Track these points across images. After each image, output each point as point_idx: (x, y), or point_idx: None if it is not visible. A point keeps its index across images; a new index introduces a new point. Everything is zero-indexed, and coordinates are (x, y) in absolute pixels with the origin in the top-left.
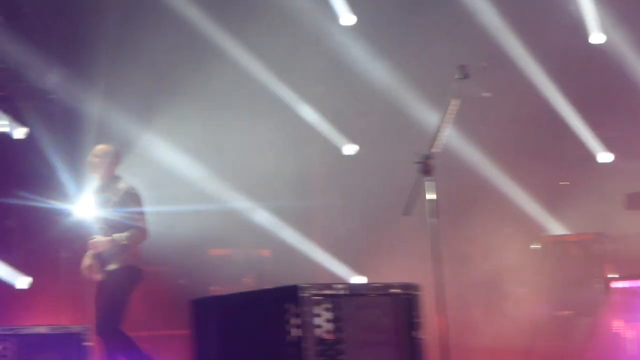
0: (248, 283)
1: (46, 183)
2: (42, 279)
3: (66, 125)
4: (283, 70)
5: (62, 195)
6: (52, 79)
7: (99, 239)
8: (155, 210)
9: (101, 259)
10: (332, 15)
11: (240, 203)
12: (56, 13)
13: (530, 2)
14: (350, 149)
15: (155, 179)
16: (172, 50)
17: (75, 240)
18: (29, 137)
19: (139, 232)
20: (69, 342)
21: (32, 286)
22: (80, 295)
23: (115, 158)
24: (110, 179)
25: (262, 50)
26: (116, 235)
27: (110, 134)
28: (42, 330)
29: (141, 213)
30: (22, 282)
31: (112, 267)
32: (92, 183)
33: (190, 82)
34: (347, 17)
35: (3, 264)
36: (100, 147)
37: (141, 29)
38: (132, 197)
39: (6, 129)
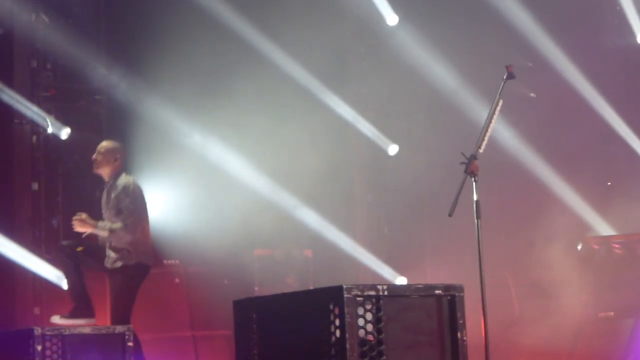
0: (291, 283)
1: (91, 183)
2: (87, 279)
3: (112, 126)
4: (327, 71)
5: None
6: (98, 79)
7: (84, 219)
8: (200, 210)
9: (109, 256)
10: (376, 15)
11: (284, 203)
12: (104, 14)
13: (575, 2)
14: (394, 149)
15: (201, 179)
16: (218, 52)
17: None
18: (75, 137)
19: (122, 228)
20: (112, 342)
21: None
22: None
23: (120, 154)
24: (115, 177)
25: (306, 51)
26: (100, 223)
27: (156, 132)
28: (85, 330)
29: (129, 208)
30: None
31: (118, 264)
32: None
33: (238, 83)
34: (391, 17)
35: (49, 264)
36: (104, 144)
37: (189, 29)
38: (125, 192)
39: (52, 129)
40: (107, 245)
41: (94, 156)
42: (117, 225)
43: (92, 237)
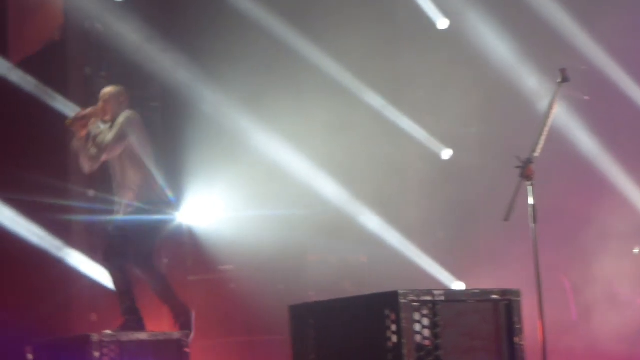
0: (347, 289)
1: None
2: (144, 285)
3: (167, 133)
4: (380, 76)
5: (163, 201)
6: (152, 87)
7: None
8: (255, 214)
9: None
10: (428, 20)
11: (339, 207)
12: (158, 19)
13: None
14: (448, 153)
15: (256, 184)
16: (274, 57)
17: (176, 246)
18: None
19: (102, 144)
20: (169, 348)
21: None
22: (184, 300)
23: (124, 97)
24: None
25: (359, 58)
26: (97, 124)
27: (211, 138)
28: (142, 337)
29: (116, 131)
30: None
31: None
32: (97, 129)
33: (294, 88)
34: (442, 21)
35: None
36: (107, 90)
37: (247, 29)
38: (121, 119)
39: None
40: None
41: (98, 105)
42: (105, 140)
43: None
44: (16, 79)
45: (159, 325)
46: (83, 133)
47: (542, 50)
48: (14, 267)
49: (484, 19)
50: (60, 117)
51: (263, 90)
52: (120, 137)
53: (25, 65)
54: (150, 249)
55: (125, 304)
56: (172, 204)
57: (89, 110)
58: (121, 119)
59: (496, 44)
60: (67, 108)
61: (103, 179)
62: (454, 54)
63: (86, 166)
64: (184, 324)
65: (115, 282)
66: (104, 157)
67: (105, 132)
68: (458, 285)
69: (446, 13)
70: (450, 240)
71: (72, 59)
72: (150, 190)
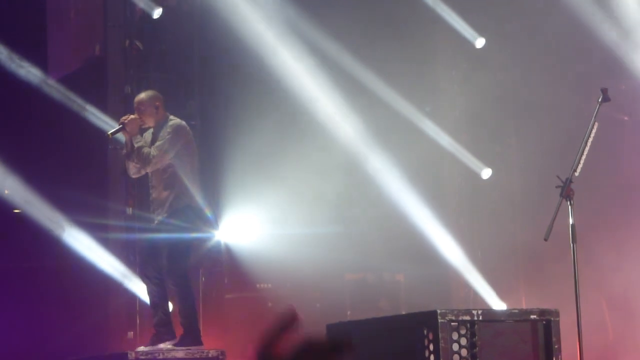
0: (383, 307)
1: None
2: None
3: (205, 152)
4: (419, 95)
5: (201, 220)
6: (190, 105)
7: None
8: (293, 232)
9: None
10: (462, 39)
11: (377, 226)
12: (198, 39)
13: None
14: (487, 172)
15: (293, 202)
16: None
17: (214, 264)
18: None
19: (149, 156)
20: None
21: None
22: (219, 318)
23: (159, 101)
24: (163, 123)
25: (398, 77)
26: (140, 141)
27: (249, 156)
28: (179, 354)
29: (166, 142)
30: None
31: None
32: (139, 139)
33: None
34: (479, 40)
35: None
36: (139, 97)
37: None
38: (169, 129)
39: None
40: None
41: (132, 117)
42: (152, 151)
43: None
44: (57, 95)
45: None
46: (127, 140)
47: (583, 68)
48: (52, 284)
49: (519, 36)
50: (98, 134)
51: (299, 108)
52: (168, 149)
53: (64, 82)
54: (184, 268)
55: (158, 316)
56: (211, 222)
57: (128, 119)
58: (169, 129)
59: (533, 64)
60: (107, 125)
61: (141, 197)
62: (491, 73)
63: (133, 172)
64: (186, 344)
65: (150, 295)
66: (148, 169)
67: (147, 139)
68: (498, 305)
69: (480, 32)
70: (488, 259)
71: (111, 77)
72: (188, 209)
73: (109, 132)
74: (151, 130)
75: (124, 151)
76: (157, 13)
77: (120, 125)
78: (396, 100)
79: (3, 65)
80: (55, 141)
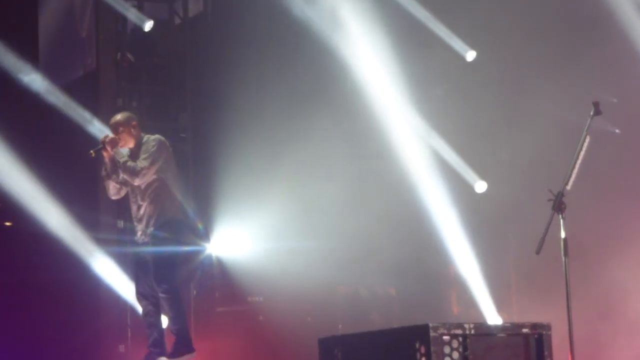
0: (375, 321)
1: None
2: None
3: (197, 164)
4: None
5: (192, 232)
6: (182, 118)
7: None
8: (284, 245)
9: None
10: (455, 52)
11: (368, 239)
12: (189, 51)
13: None
14: (482, 186)
15: (285, 215)
16: (300, 81)
17: (205, 277)
18: None
19: (136, 167)
20: None
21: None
22: (210, 331)
23: (134, 120)
24: (140, 141)
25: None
26: (119, 151)
27: (242, 169)
28: None
29: (151, 154)
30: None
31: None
32: (121, 156)
33: (321, 117)
34: (469, 53)
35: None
36: (117, 118)
37: (270, 62)
38: (152, 143)
39: None
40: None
41: (112, 136)
42: (139, 163)
43: None
44: (61, 104)
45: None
46: (108, 159)
47: (575, 81)
48: (42, 297)
49: (510, 48)
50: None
51: (293, 123)
52: (154, 160)
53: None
54: (172, 277)
55: (153, 336)
56: (202, 235)
57: (108, 138)
58: (152, 142)
59: (523, 77)
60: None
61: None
62: (480, 87)
63: (113, 192)
64: (179, 352)
65: (146, 315)
66: (137, 181)
67: (131, 156)
68: (492, 319)
69: (473, 46)
70: (482, 273)
71: (103, 89)
72: (174, 221)
73: (91, 151)
74: (128, 151)
75: (104, 172)
76: (148, 26)
77: (101, 145)
78: (389, 113)
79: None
80: (46, 151)
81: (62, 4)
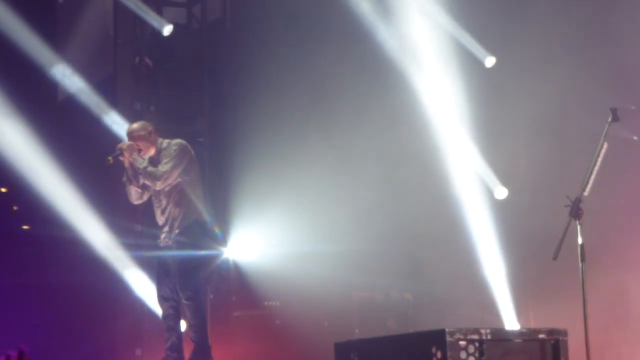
0: (391, 326)
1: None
2: None
3: (214, 168)
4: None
5: (210, 237)
6: (199, 122)
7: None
8: (301, 250)
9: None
10: (473, 57)
11: (385, 243)
12: (207, 55)
13: None
14: (502, 192)
15: (302, 219)
16: (320, 87)
17: (222, 281)
18: None
19: (157, 172)
20: None
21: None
22: (227, 335)
23: (150, 126)
24: (160, 146)
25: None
26: (139, 159)
27: (258, 173)
28: None
29: (172, 158)
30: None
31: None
32: (141, 161)
33: (339, 122)
34: (489, 59)
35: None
36: (133, 126)
37: (288, 67)
38: (174, 147)
39: None
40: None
41: (135, 143)
42: (160, 167)
43: None
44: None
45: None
46: (127, 165)
47: (594, 88)
48: (60, 305)
49: (529, 55)
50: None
51: (309, 127)
52: (176, 164)
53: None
54: (196, 283)
55: (171, 340)
56: (219, 239)
57: (126, 145)
58: (174, 146)
59: (541, 83)
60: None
61: (150, 214)
62: (501, 92)
63: (135, 198)
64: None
65: (166, 319)
66: (159, 185)
67: (152, 162)
68: (508, 324)
69: (491, 52)
70: (499, 278)
71: (122, 94)
72: (196, 224)
73: (109, 157)
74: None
75: (124, 178)
76: (167, 30)
77: (119, 151)
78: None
79: None
80: (66, 153)
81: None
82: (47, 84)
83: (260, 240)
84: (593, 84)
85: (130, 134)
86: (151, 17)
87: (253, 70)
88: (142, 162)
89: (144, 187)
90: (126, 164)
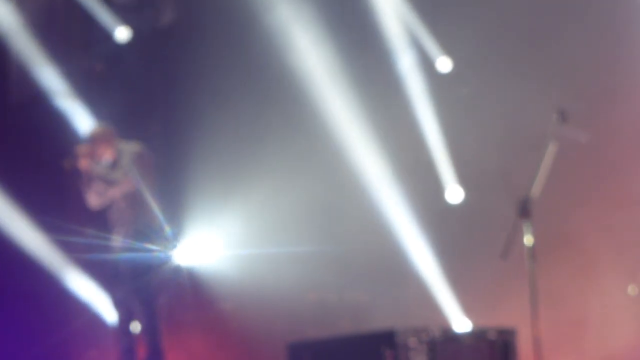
0: (344, 327)
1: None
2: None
3: (167, 171)
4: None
5: (163, 239)
6: (153, 127)
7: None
8: (254, 252)
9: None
10: (428, 61)
11: (339, 245)
12: (155, 61)
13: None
14: (456, 193)
15: (255, 221)
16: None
17: (175, 283)
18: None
19: (115, 177)
20: None
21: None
22: (180, 338)
23: (111, 131)
24: (120, 149)
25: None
26: (97, 163)
27: (208, 181)
28: None
29: (127, 163)
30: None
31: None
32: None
33: (301, 119)
34: (443, 62)
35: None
36: (100, 130)
37: (233, 78)
38: (133, 150)
39: None
40: None
41: (86, 147)
42: (115, 174)
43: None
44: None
45: None
46: (85, 170)
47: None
48: (12, 304)
49: (487, 61)
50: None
51: (266, 125)
52: (131, 169)
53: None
54: (149, 285)
55: (124, 343)
56: (171, 242)
57: (83, 150)
58: (132, 150)
59: (496, 83)
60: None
61: (100, 216)
62: (453, 96)
63: (95, 203)
64: None
65: (120, 322)
66: (118, 191)
67: (113, 168)
68: (456, 323)
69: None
70: (448, 277)
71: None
72: (148, 227)
73: (65, 162)
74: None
75: (81, 183)
76: (120, 34)
77: (76, 156)
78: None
79: None
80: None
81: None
82: None
83: (213, 243)
84: (542, 82)
85: (89, 138)
86: (104, 19)
87: (212, 66)
88: (100, 167)
89: (101, 192)
90: (83, 169)
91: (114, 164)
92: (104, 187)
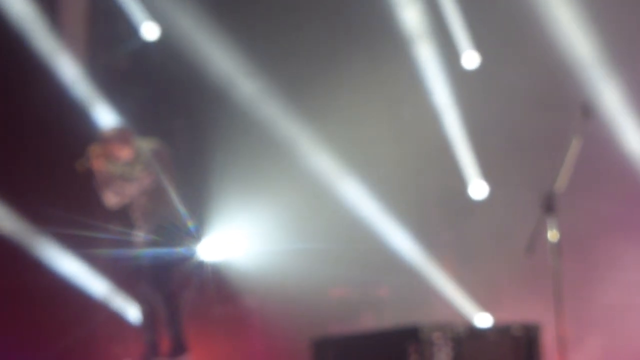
0: (367, 322)
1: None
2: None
3: (189, 172)
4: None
5: (186, 235)
6: (177, 126)
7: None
8: (278, 247)
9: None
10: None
11: (362, 240)
12: (180, 62)
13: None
14: (481, 189)
15: (279, 217)
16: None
17: (199, 279)
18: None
19: (132, 176)
20: None
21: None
22: (204, 333)
23: (127, 129)
24: (137, 148)
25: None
26: (112, 163)
27: (232, 177)
28: None
29: (149, 160)
30: None
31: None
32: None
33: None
34: (469, 57)
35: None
36: (113, 130)
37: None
38: (150, 147)
39: None
40: None
41: (100, 147)
42: (135, 171)
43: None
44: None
45: None
46: (99, 170)
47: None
48: (35, 300)
49: (505, 52)
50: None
51: (287, 124)
52: (150, 166)
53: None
54: (170, 279)
55: (147, 338)
56: (194, 237)
57: (97, 150)
58: (150, 148)
59: (511, 80)
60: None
61: (124, 213)
62: (471, 90)
63: (113, 202)
64: (175, 355)
65: (143, 316)
66: (134, 189)
67: (132, 166)
68: (481, 318)
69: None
70: (474, 273)
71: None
72: (172, 224)
73: (79, 163)
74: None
75: (96, 183)
76: (147, 31)
77: (89, 156)
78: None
79: None
80: (40, 151)
81: None
82: None
83: (237, 239)
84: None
85: (104, 138)
86: (131, 15)
87: (226, 70)
88: (115, 166)
89: (119, 191)
90: (97, 169)
91: (133, 162)
92: (122, 186)
